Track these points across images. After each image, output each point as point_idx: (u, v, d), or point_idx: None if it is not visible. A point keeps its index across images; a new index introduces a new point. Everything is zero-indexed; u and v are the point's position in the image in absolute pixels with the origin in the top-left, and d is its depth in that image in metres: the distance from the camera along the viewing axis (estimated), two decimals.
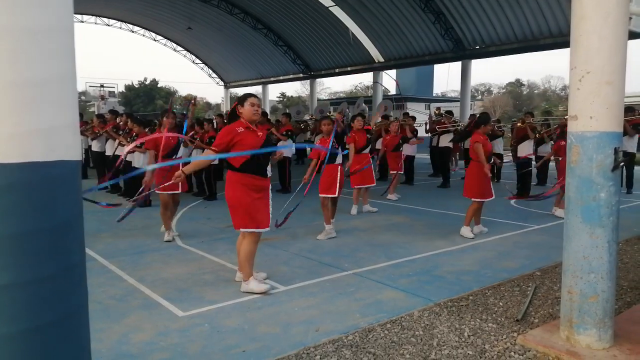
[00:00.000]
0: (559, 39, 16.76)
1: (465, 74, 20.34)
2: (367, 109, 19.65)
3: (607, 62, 2.97)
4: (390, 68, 25.00)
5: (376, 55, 23.27)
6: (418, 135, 12.42)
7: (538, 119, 10.78)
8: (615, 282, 3.19)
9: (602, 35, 2.95)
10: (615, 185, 3.06)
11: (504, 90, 59.74)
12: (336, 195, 6.38)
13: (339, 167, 6.38)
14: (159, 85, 53.18)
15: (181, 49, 33.10)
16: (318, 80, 29.95)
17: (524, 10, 16.98)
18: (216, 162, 9.65)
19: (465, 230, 6.36)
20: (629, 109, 9.10)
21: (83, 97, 37.81)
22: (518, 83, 60.42)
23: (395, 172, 9.78)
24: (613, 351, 3.07)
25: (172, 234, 6.24)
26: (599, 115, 3.00)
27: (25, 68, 1.47)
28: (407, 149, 11.29)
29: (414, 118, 13.18)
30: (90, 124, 11.62)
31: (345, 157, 6.99)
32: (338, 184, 6.34)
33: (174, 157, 6.30)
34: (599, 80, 2.99)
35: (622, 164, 3.04)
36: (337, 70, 25.96)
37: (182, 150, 6.60)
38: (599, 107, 3.00)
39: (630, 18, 3.20)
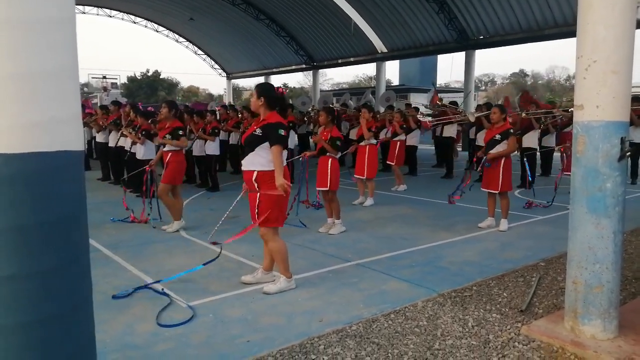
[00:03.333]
0: (564, 29, 16.59)
1: (469, 65, 20.19)
2: (373, 100, 19.54)
3: (613, 51, 2.94)
4: (394, 59, 24.86)
5: (379, 45, 23.13)
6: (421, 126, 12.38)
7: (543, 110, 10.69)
8: (620, 273, 3.18)
9: (609, 23, 2.92)
10: (622, 176, 3.04)
11: (508, 81, 59.44)
12: (327, 188, 6.12)
13: (330, 159, 6.13)
14: (161, 77, 53.07)
15: (183, 40, 32.98)
16: (321, 71, 29.82)
17: (528, 0, 16.81)
18: (218, 152, 9.67)
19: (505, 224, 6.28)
20: (635, 99, 9.01)
21: (86, 89, 37.87)
22: (522, 73, 60.10)
23: (390, 163, 9.89)
24: (618, 342, 3.07)
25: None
26: (605, 104, 2.98)
27: (26, 60, 1.45)
28: (410, 140, 11.29)
29: (416, 109, 13.11)
30: (95, 115, 11.62)
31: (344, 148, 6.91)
32: (329, 178, 6.10)
33: None
34: (605, 69, 2.96)
35: (629, 154, 3.01)
36: (340, 61, 25.82)
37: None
38: (605, 96, 2.97)
39: (638, 6, 3.16)
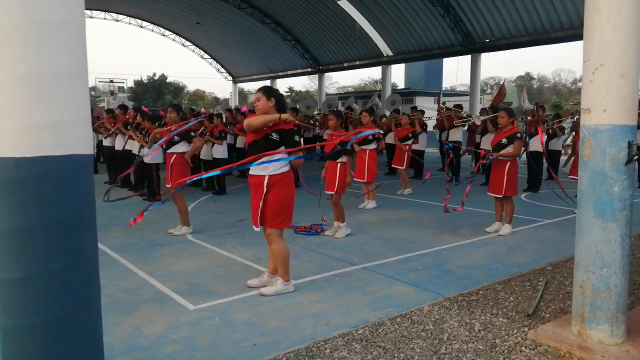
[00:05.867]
0: (570, 32, 16.55)
1: (474, 68, 20.20)
2: (380, 103, 19.53)
3: (620, 55, 2.92)
4: (399, 62, 24.92)
5: (385, 49, 23.17)
6: (427, 129, 12.38)
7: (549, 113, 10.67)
8: (628, 277, 3.16)
9: (616, 27, 2.91)
10: (629, 179, 3.03)
11: (514, 84, 59.28)
12: (334, 192, 6.13)
13: (339, 164, 6.12)
14: (167, 80, 53.37)
15: (190, 43, 33.18)
16: (326, 74, 29.89)
17: (534, 3, 16.79)
18: (226, 156, 9.69)
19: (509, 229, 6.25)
20: None
21: (93, 93, 38.13)
22: (528, 77, 59.95)
23: (396, 167, 9.85)
24: (626, 347, 3.05)
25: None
26: (612, 108, 2.96)
27: (36, 62, 1.46)
28: (417, 144, 11.26)
29: (422, 112, 13.10)
30: (101, 119, 11.69)
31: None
32: (337, 182, 6.10)
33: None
34: (613, 72, 2.95)
35: (636, 157, 3.00)
36: (345, 65, 25.88)
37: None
38: (612, 99, 2.96)
39: None
